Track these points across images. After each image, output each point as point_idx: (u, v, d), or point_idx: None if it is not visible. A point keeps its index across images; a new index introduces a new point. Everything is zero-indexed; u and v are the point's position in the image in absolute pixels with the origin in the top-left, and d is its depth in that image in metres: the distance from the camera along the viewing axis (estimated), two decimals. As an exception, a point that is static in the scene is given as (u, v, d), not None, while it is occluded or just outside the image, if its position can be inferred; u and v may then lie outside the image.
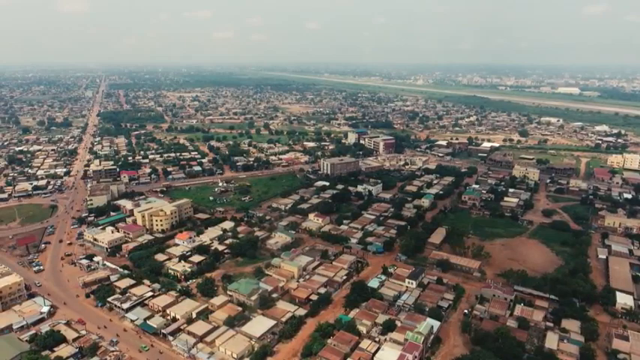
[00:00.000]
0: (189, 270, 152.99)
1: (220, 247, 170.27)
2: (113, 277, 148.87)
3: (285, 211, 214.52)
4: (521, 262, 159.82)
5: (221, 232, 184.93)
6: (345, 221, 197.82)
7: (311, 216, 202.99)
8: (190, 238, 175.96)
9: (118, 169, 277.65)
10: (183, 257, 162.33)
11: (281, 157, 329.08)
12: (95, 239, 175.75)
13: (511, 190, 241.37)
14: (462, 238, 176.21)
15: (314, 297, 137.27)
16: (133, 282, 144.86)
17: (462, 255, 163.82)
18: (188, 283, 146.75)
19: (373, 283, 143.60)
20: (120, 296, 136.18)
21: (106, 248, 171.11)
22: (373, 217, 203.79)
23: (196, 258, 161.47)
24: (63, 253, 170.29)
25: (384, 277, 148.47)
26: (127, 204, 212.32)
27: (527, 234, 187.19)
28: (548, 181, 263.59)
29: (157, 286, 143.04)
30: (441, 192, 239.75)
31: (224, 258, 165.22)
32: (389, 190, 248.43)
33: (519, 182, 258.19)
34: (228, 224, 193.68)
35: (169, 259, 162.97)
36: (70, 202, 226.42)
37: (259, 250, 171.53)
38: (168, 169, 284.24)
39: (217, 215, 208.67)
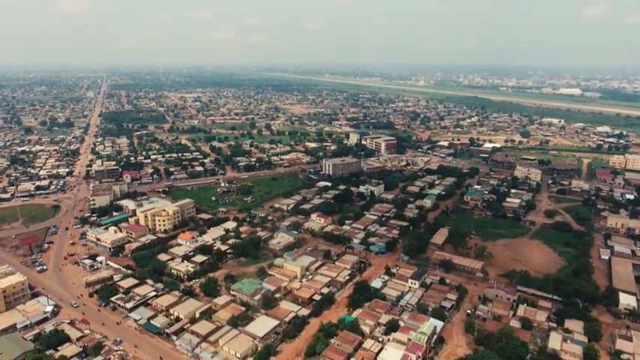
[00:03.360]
0: (192, 270, 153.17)
1: (223, 247, 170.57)
2: (116, 277, 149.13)
3: (288, 211, 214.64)
4: (524, 263, 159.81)
5: (223, 233, 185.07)
6: (347, 221, 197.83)
7: (313, 216, 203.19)
8: (193, 238, 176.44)
9: (120, 170, 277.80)
10: (186, 257, 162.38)
11: (283, 157, 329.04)
12: (98, 239, 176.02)
13: (513, 190, 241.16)
14: (465, 238, 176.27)
15: (317, 297, 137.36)
16: (136, 282, 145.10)
17: (465, 255, 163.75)
18: (191, 283, 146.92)
19: (376, 284, 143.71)
20: (123, 296, 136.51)
21: (109, 248, 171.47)
22: (375, 217, 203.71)
23: (199, 258, 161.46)
24: (66, 252, 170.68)
25: (386, 278, 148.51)
26: (129, 204, 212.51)
27: (529, 235, 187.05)
28: (550, 181, 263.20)
29: (160, 285, 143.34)
30: (442, 192, 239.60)
31: (227, 258, 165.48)
32: (391, 190, 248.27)
33: (521, 183, 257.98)
34: (230, 224, 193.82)
35: (172, 259, 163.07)
36: (72, 203, 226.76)
37: (262, 251, 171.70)
38: (171, 170, 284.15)
39: (220, 215, 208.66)
